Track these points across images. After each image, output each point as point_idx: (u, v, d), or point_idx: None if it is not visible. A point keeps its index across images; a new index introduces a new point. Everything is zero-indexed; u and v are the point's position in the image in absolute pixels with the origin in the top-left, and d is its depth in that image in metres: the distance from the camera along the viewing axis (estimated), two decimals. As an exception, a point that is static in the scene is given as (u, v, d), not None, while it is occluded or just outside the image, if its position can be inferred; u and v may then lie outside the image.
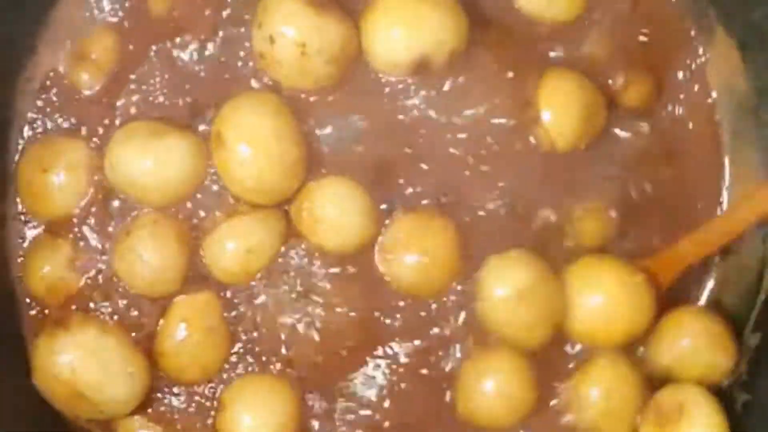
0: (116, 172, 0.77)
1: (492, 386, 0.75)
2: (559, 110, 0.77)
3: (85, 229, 0.79)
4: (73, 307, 0.78)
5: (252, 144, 0.74)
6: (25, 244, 0.81)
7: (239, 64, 0.78)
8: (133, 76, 0.80)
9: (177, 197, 0.77)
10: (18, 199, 0.81)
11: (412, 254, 0.76)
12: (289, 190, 0.76)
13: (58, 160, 0.79)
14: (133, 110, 0.80)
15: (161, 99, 0.79)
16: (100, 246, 0.79)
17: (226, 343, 0.78)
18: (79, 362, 0.75)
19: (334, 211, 0.75)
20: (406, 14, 0.75)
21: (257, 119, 0.74)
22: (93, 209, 0.79)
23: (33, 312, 0.81)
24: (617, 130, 0.80)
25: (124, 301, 0.78)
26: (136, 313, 0.78)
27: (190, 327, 0.77)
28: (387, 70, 0.76)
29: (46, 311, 0.80)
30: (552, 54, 0.80)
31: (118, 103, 0.80)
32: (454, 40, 0.75)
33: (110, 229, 0.79)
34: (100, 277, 0.79)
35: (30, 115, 0.82)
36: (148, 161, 0.76)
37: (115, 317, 0.78)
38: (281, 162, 0.74)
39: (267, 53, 0.75)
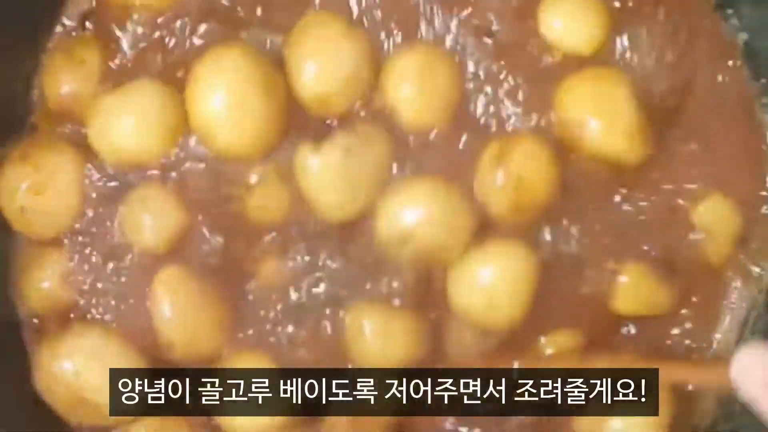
0: (101, 137, 0.77)
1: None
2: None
3: (82, 242, 0.79)
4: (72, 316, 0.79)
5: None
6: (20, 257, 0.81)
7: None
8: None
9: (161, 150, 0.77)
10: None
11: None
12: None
13: (52, 179, 0.78)
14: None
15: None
16: (97, 259, 0.79)
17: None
18: (82, 366, 0.75)
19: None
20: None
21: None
22: (89, 221, 0.78)
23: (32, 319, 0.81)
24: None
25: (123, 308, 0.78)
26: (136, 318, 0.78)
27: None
28: None
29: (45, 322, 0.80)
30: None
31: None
32: None
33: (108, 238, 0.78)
34: (98, 287, 0.79)
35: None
36: (129, 114, 0.76)
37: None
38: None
39: None
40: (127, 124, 0.76)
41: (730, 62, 0.82)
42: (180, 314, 0.76)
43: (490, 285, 0.75)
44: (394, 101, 0.77)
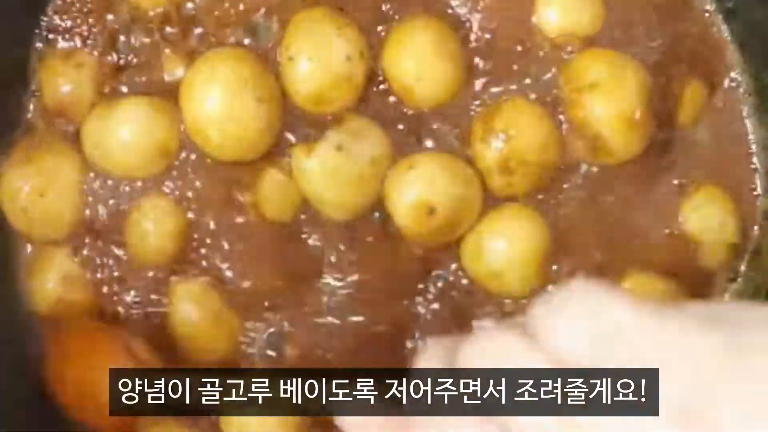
0: (95, 152, 0.78)
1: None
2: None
3: (86, 243, 0.79)
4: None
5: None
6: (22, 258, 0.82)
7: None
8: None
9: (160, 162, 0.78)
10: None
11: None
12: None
13: (54, 181, 0.78)
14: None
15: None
16: (100, 260, 0.79)
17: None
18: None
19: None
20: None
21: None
22: (91, 222, 0.79)
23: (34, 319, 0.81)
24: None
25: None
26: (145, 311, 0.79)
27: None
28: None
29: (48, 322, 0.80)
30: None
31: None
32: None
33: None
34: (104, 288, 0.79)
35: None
36: (124, 129, 0.77)
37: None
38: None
39: None
40: (118, 144, 0.77)
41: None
42: (200, 325, 0.78)
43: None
44: (409, 79, 0.77)
